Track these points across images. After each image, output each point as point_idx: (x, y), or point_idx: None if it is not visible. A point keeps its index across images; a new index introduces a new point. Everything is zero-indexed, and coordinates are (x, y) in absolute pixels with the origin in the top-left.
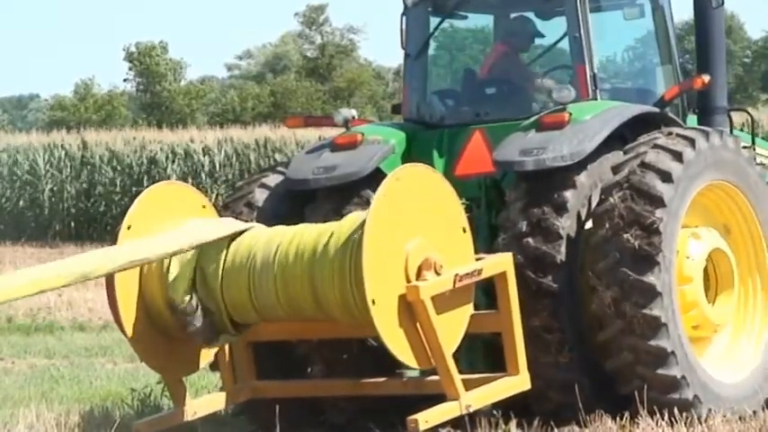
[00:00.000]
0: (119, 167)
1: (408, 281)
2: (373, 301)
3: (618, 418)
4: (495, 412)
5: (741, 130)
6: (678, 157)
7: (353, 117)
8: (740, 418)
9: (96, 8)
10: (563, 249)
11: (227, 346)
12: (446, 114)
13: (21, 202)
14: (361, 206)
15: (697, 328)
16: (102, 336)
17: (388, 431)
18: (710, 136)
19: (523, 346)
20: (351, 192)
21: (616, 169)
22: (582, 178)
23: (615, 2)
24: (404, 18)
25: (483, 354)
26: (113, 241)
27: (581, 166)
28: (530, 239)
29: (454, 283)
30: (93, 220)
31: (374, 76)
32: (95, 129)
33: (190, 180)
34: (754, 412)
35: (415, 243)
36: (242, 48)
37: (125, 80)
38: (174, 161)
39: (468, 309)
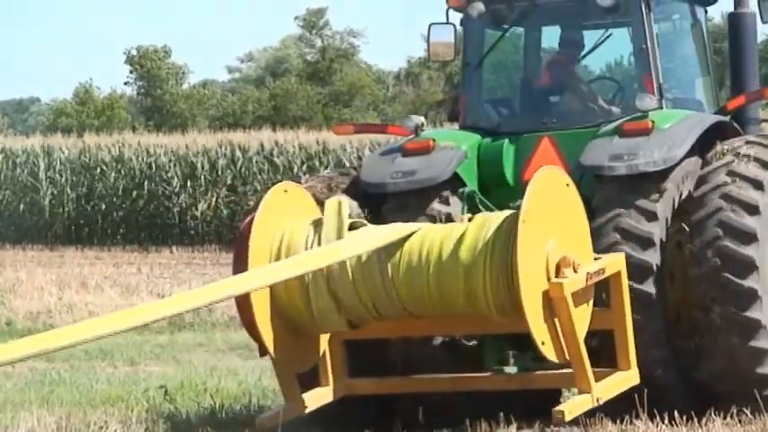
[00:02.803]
0: (120, 171)
1: (548, 278)
2: (525, 299)
3: (618, 422)
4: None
5: None
6: None
7: (423, 124)
8: (740, 421)
9: (96, 11)
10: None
11: (326, 346)
12: (509, 122)
13: (21, 206)
14: (437, 211)
15: None
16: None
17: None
18: None
19: (633, 343)
20: (429, 196)
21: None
22: (668, 183)
23: (664, 15)
24: (431, 27)
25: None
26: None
27: (667, 171)
28: (627, 219)
29: (587, 280)
30: (93, 223)
31: (375, 80)
32: (96, 132)
33: (190, 183)
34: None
35: (553, 242)
36: (242, 51)
37: (126, 83)
38: (175, 164)
39: (590, 305)
